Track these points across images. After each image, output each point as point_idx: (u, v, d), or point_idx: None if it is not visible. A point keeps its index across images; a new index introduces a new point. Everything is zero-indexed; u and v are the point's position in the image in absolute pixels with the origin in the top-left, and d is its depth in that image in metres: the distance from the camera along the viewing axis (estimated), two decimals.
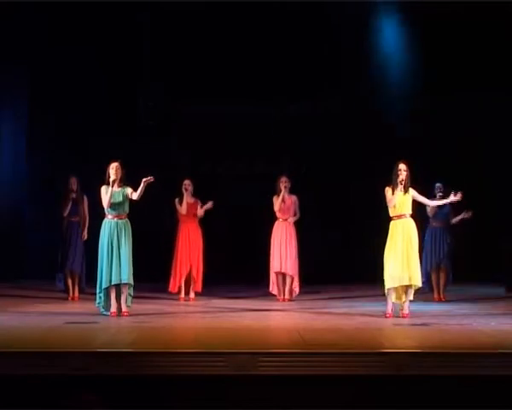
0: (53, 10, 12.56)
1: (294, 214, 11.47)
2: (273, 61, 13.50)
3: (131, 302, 9.52)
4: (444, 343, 7.53)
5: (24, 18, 12.67)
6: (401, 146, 12.42)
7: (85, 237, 11.25)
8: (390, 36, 13.44)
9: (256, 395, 6.45)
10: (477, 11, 12.46)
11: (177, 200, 11.44)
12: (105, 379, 6.41)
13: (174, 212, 11.50)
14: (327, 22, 13.27)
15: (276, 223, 11.50)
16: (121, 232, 9.39)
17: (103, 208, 9.48)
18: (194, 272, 11.41)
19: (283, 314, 10.21)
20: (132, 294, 9.50)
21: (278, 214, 11.46)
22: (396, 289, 9.34)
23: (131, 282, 9.40)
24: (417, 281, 9.36)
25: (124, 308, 9.40)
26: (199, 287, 11.50)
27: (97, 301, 9.44)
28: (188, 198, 11.42)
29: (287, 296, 11.34)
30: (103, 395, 5.88)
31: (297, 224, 11.51)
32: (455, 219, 11.53)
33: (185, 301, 11.30)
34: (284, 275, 11.41)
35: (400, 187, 9.33)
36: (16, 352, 6.81)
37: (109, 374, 6.48)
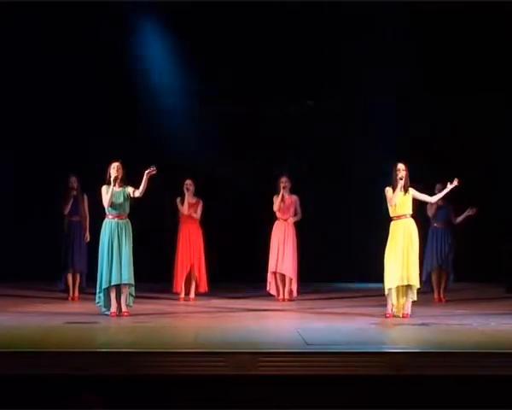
0: (53, 10, 12.55)
1: (295, 214, 11.47)
2: (273, 61, 13.48)
3: (133, 302, 9.52)
4: (444, 343, 7.54)
5: (24, 18, 12.66)
6: (401, 146, 12.44)
7: (88, 239, 11.21)
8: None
9: (256, 395, 6.45)
10: (477, 11, 12.45)
11: (178, 200, 11.43)
12: (105, 379, 6.41)
13: (175, 212, 11.50)
14: (327, 22, 13.25)
15: (276, 223, 11.50)
16: (122, 232, 9.39)
17: (104, 208, 9.48)
18: (195, 273, 11.39)
19: (283, 314, 10.22)
20: (134, 294, 9.50)
21: (278, 214, 11.46)
22: (396, 289, 9.34)
23: (132, 282, 9.40)
24: (415, 281, 9.36)
25: (124, 308, 9.40)
26: (204, 287, 11.47)
27: (97, 300, 9.44)
28: (189, 198, 11.40)
29: (286, 296, 11.34)
30: (103, 395, 5.88)
31: (298, 224, 11.50)
32: (459, 218, 11.50)
33: (185, 301, 11.29)
34: (284, 275, 11.40)
35: (400, 186, 9.34)
36: (16, 352, 6.81)
37: (109, 374, 6.48)
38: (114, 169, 9.42)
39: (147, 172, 9.25)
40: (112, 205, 9.41)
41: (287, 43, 13.34)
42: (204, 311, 10.37)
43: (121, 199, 9.43)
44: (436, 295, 11.47)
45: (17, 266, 13.14)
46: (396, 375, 6.57)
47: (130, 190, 9.43)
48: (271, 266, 11.41)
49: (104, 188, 9.45)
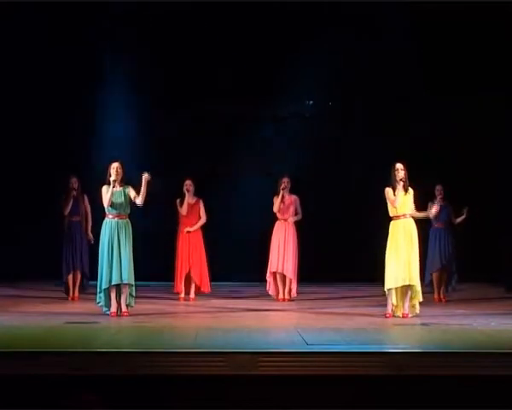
0: (53, 10, 12.56)
1: (296, 214, 11.46)
2: (273, 61, 13.49)
3: (134, 302, 9.51)
4: (444, 343, 7.54)
5: (24, 18, 12.67)
6: (401, 146, 12.44)
7: (92, 241, 11.15)
8: None
9: (256, 395, 6.45)
10: (477, 11, 12.45)
11: (178, 201, 11.42)
12: (105, 379, 6.41)
13: (175, 212, 11.48)
14: (327, 22, 13.26)
15: (277, 223, 11.50)
16: (122, 232, 9.38)
17: (104, 208, 9.48)
18: (195, 273, 11.37)
19: (283, 314, 10.22)
20: (134, 294, 9.49)
21: (278, 214, 11.46)
22: (396, 289, 9.34)
23: (132, 282, 9.39)
24: (415, 281, 9.35)
25: (124, 308, 9.39)
26: (206, 288, 11.45)
27: (97, 300, 9.45)
28: (189, 199, 11.39)
29: (286, 296, 11.34)
30: (103, 395, 5.89)
31: (298, 223, 11.50)
32: (458, 220, 11.53)
33: (185, 301, 11.29)
34: (284, 275, 11.40)
35: (400, 186, 9.33)
36: (16, 352, 6.81)
37: (109, 374, 6.48)
38: (114, 169, 9.41)
39: (144, 177, 9.21)
40: (112, 205, 9.41)
41: (287, 44, 13.35)
42: (204, 311, 10.37)
43: (121, 199, 9.42)
44: (436, 296, 11.47)
45: (17, 266, 13.16)
46: (396, 375, 6.56)
47: (131, 193, 9.39)
48: (272, 267, 11.40)
49: (104, 188, 9.44)
